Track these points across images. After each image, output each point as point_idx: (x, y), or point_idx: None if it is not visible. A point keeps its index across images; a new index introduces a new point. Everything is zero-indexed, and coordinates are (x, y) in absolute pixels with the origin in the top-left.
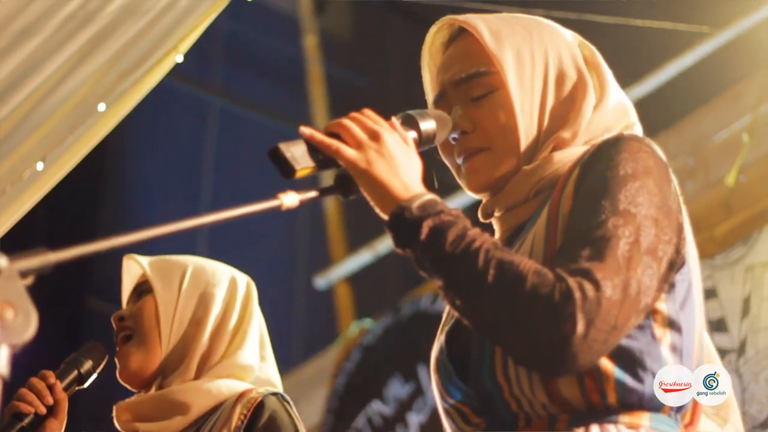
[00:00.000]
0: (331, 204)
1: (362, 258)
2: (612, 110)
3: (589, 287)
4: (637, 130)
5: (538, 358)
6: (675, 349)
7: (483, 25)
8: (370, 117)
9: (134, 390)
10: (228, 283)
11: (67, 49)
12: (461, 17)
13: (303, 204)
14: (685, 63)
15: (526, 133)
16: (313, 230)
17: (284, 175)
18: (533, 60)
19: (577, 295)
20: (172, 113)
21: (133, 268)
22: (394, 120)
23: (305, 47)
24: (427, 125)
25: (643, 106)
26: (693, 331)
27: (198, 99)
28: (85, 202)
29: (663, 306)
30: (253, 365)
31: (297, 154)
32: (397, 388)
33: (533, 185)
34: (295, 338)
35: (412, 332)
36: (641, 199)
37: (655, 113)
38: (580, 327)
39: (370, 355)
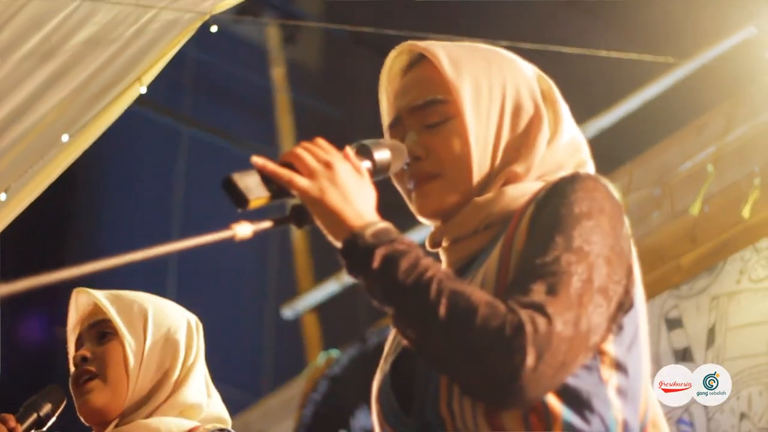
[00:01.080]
0: (298, 235)
1: (329, 288)
2: (565, 146)
3: (540, 321)
4: (589, 167)
5: (486, 389)
6: (621, 392)
7: (443, 52)
8: (322, 146)
9: (90, 426)
10: (186, 328)
11: (31, 81)
12: (422, 43)
13: (270, 234)
14: (651, 93)
15: (479, 163)
16: (281, 261)
17: (237, 205)
18: (491, 91)
19: (529, 328)
20: (142, 141)
21: (83, 301)
22: (348, 149)
23: (273, 77)
24: (382, 155)
25: (608, 137)
26: (639, 375)
27: (168, 127)
28: (53, 232)
29: (611, 348)
30: (202, 403)
31: (251, 184)
32: (364, 419)
33: (483, 218)
34: (262, 369)
35: (378, 363)
36: (595, 237)
37: (621, 144)
38: (530, 360)
39: (337, 386)
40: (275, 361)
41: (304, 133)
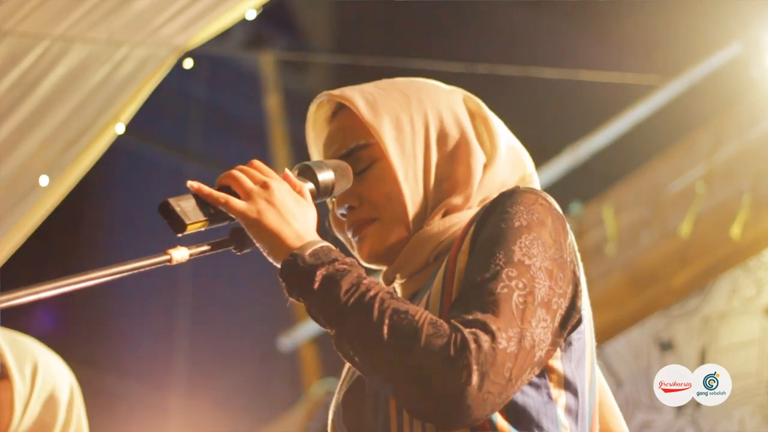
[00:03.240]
0: None
1: None
2: (506, 164)
3: (484, 339)
4: (534, 180)
5: (432, 409)
6: (570, 411)
7: (358, 96)
8: (259, 167)
9: None
10: (69, 392)
11: (7, 124)
12: (336, 91)
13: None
14: (639, 114)
15: (412, 199)
16: (275, 289)
17: (175, 230)
18: (413, 125)
19: (473, 346)
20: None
21: None
22: (287, 170)
23: (268, 107)
24: (325, 176)
25: (597, 159)
26: (588, 392)
27: (163, 160)
28: (55, 272)
29: (558, 365)
30: None
31: (187, 208)
32: None
33: (431, 250)
34: (260, 398)
35: None
36: (536, 250)
37: (610, 165)
38: (475, 379)
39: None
40: (272, 391)
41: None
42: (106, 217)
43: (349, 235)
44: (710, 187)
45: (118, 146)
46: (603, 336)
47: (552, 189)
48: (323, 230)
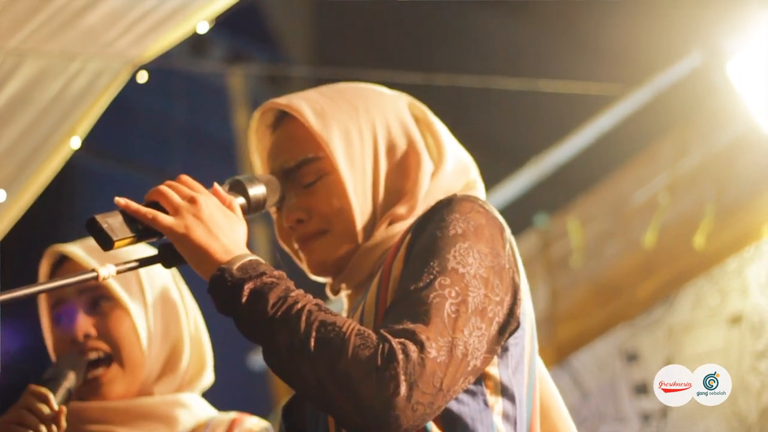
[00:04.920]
0: None
1: None
2: (452, 172)
3: (412, 348)
4: (478, 186)
5: (362, 420)
6: (507, 417)
7: (306, 106)
8: (187, 183)
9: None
10: (173, 281)
11: None
12: (283, 100)
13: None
14: (603, 125)
15: (362, 212)
16: None
17: (102, 247)
18: (362, 137)
19: (400, 356)
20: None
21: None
22: (216, 185)
23: (237, 123)
24: (256, 190)
25: (562, 170)
26: (526, 398)
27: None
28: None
29: (495, 371)
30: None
31: (114, 225)
32: None
33: (375, 261)
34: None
35: None
36: (471, 259)
37: (574, 177)
38: (403, 389)
39: None
40: (243, 407)
41: None
42: (62, 233)
43: (296, 246)
44: (674, 197)
45: (79, 163)
46: (568, 348)
47: (517, 201)
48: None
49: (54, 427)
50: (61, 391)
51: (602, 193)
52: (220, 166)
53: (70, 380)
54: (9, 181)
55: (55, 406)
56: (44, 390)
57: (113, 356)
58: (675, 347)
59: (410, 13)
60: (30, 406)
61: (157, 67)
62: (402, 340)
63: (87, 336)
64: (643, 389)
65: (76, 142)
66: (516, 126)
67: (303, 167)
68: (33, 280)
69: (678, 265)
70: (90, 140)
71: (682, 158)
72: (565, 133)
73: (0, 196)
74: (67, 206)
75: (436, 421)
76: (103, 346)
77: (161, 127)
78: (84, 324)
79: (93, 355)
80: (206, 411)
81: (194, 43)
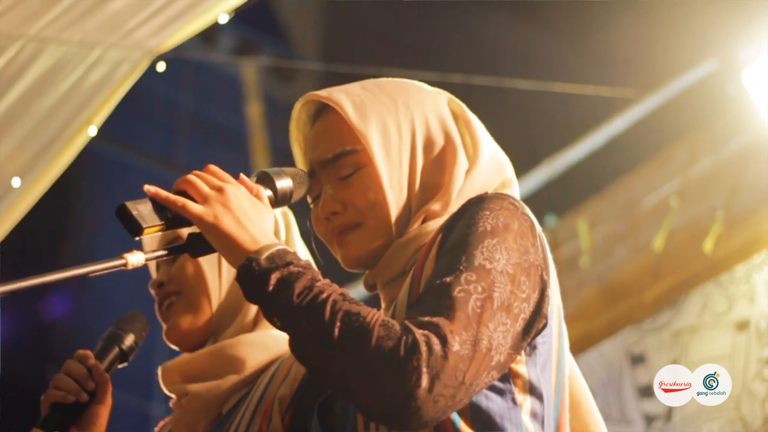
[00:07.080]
0: None
1: None
2: (486, 169)
3: (435, 341)
4: (514, 185)
5: (384, 411)
6: (535, 416)
7: (346, 99)
8: (215, 173)
9: (184, 352)
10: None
11: None
12: (324, 92)
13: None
14: (615, 128)
15: (397, 206)
16: None
17: (132, 233)
18: (400, 132)
19: (423, 348)
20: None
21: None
22: (243, 177)
23: (249, 115)
24: (284, 183)
25: (573, 172)
26: (555, 398)
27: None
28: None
29: (523, 369)
30: None
31: (144, 212)
32: None
33: (409, 257)
34: None
35: None
36: (499, 255)
37: (585, 178)
38: (425, 381)
39: None
40: None
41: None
42: (79, 219)
43: (332, 237)
44: (684, 202)
45: (90, 149)
46: (575, 348)
47: (528, 201)
48: (304, 230)
49: (91, 383)
50: (111, 353)
51: (613, 196)
52: (230, 155)
53: (127, 342)
54: (26, 169)
55: (97, 366)
56: (83, 352)
57: (179, 297)
58: (681, 351)
59: (420, 12)
60: (67, 368)
61: (173, 57)
62: (425, 332)
63: (160, 284)
64: (648, 392)
65: (92, 131)
66: (528, 127)
67: (340, 159)
68: (47, 260)
69: (686, 269)
70: (101, 127)
71: (693, 164)
72: (577, 136)
73: (15, 183)
74: (75, 192)
75: (465, 418)
76: (173, 290)
77: (172, 115)
78: (160, 276)
79: (167, 301)
80: (285, 345)
81: (205, 33)
